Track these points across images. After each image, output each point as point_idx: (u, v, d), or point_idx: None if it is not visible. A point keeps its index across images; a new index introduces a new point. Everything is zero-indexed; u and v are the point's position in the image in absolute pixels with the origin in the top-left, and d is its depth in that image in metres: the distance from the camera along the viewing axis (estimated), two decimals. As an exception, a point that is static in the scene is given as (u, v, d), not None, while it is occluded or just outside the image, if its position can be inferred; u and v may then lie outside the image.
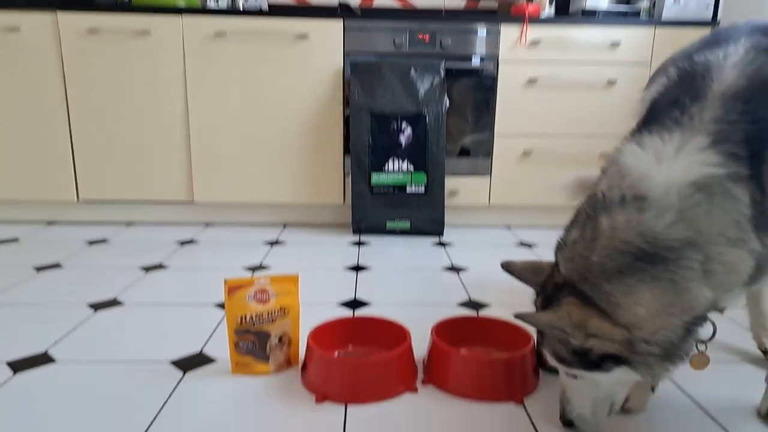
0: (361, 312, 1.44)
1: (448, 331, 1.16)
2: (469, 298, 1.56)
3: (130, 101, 2.23)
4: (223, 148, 2.27)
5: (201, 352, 1.21)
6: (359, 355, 1.15)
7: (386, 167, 2.18)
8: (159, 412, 0.98)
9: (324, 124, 2.25)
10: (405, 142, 2.19)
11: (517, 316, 0.80)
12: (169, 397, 1.02)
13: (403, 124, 2.19)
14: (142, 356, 1.18)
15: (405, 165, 2.18)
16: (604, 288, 0.75)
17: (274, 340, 1.11)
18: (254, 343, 1.10)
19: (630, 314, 0.73)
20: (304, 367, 1.09)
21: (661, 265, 0.71)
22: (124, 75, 2.20)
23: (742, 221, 0.69)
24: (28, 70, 2.18)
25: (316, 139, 2.27)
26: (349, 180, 2.25)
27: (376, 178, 2.18)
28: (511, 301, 1.53)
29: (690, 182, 0.71)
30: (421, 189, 2.19)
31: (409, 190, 2.19)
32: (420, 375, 1.10)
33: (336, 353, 1.16)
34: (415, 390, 1.05)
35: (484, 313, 1.45)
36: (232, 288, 1.09)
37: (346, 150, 2.27)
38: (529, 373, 1.06)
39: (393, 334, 1.15)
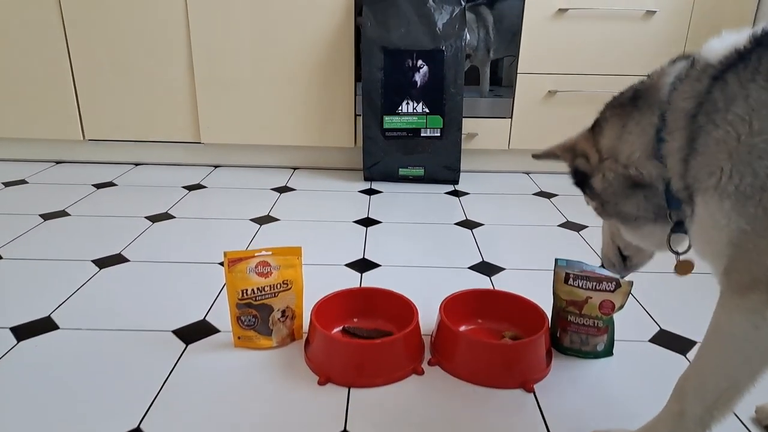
0: (369, 275, 1.40)
1: (457, 307, 1.11)
2: (482, 259, 1.50)
3: (132, 36, 2.10)
4: (228, 87, 2.15)
5: (204, 319, 1.18)
6: (364, 331, 1.11)
7: (400, 109, 2.06)
8: (160, 390, 0.97)
9: (334, 60, 2.11)
10: (420, 81, 2.04)
11: (535, 155, 0.93)
12: (169, 375, 1.00)
13: (419, 62, 2.04)
14: (144, 325, 1.16)
15: (420, 107, 2.05)
16: (604, 115, 0.82)
17: (277, 314, 1.07)
18: (256, 317, 1.06)
19: (604, 139, 0.80)
20: (307, 343, 1.06)
21: (636, 106, 0.76)
22: (124, 10, 2.06)
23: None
24: (27, 4, 2.05)
25: (326, 78, 2.13)
26: (360, 122, 2.14)
27: (389, 121, 2.07)
28: (525, 265, 1.47)
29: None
30: (437, 133, 2.08)
31: (423, 134, 2.08)
32: (427, 354, 1.06)
33: (341, 328, 1.12)
34: (421, 372, 1.01)
35: (497, 278, 1.40)
36: (233, 261, 1.05)
37: (358, 90, 2.14)
38: (540, 359, 1.02)
39: (400, 308, 1.10)
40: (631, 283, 1.04)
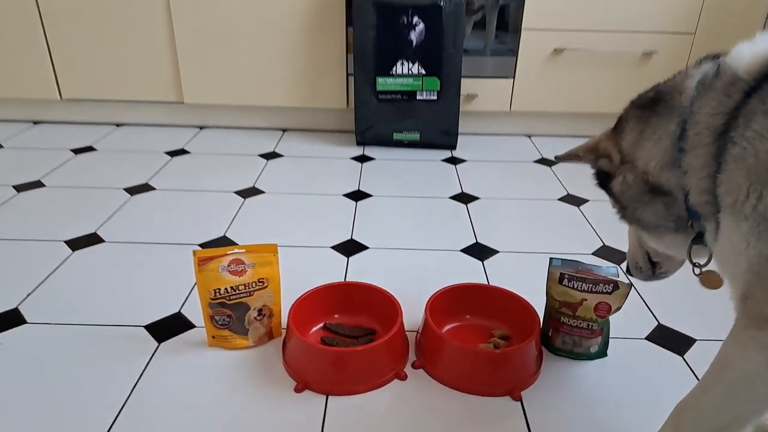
0: (356, 258, 1.33)
1: (444, 303, 1.05)
2: (476, 240, 1.43)
3: (101, -13, 1.94)
4: (211, 43, 2.01)
5: (179, 312, 1.12)
6: (346, 328, 1.05)
7: (394, 70, 1.92)
8: (127, 399, 0.92)
9: (324, 15, 1.96)
10: (416, 40, 1.90)
11: (558, 158, 0.84)
12: (138, 379, 0.96)
13: (415, 18, 1.88)
14: (115, 318, 1.10)
15: (416, 68, 1.92)
16: (626, 115, 0.75)
17: (253, 313, 1.01)
18: (231, 316, 1.00)
19: (625, 141, 0.74)
20: (285, 345, 1.01)
21: (655, 111, 0.70)
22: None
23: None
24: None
25: (316, 35, 1.99)
26: (352, 82, 2.01)
27: (383, 82, 1.94)
28: (521, 247, 1.39)
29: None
30: (434, 96, 1.95)
31: (419, 97, 1.95)
32: (411, 355, 1.01)
33: (322, 325, 1.07)
34: (404, 377, 0.96)
35: (490, 262, 1.33)
36: (203, 260, 0.97)
37: (350, 47, 1.99)
38: (529, 365, 0.96)
39: (384, 304, 1.04)
40: (630, 285, 0.97)
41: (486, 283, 1.23)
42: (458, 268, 1.30)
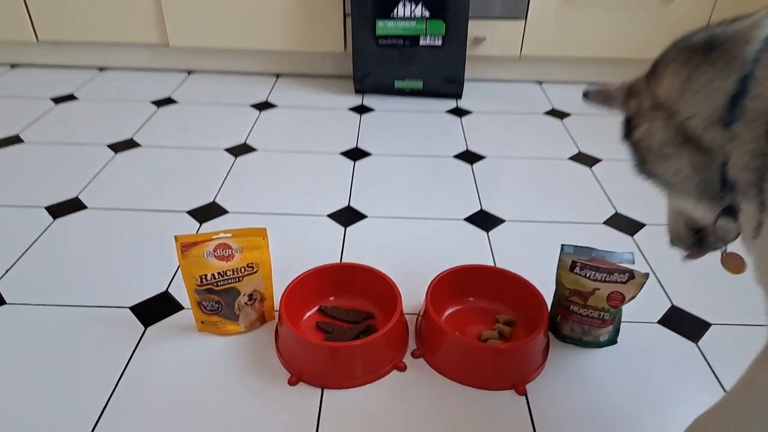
0: (354, 228, 1.25)
1: (447, 285, 0.99)
2: (481, 207, 1.35)
3: None
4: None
5: (166, 291, 1.07)
6: (342, 311, 1.00)
7: (395, 12, 1.76)
8: (113, 390, 0.88)
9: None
10: (421, -23, 1.73)
11: (585, 93, 0.71)
12: (125, 368, 0.91)
13: (420, -48, 1.71)
14: (99, 299, 1.04)
15: (419, 10, 1.76)
16: (666, 57, 0.64)
17: (243, 299, 0.95)
18: (219, 303, 0.95)
19: (662, 86, 0.63)
20: (278, 334, 0.95)
21: (708, 58, 0.58)
22: None
23: None
24: None
25: (310, -30, 1.81)
26: (350, 23, 1.85)
27: (383, 26, 1.78)
28: (528, 215, 1.32)
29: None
30: (438, 41, 1.80)
31: (422, 42, 1.80)
32: (411, 343, 0.96)
33: (317, 308, 1.01)
34: (403, 368, 0.91)
35: (495, 233, 1.25)
36: (186, 245, 0.90)
37: (348, -14, 1.82)
38: (535, 359, 0.91)
39: (382, 287, 0.98)
40: (646, 275, 0.90)
41: (491, 257, 1.17)
42: (462, 240, 1.23)
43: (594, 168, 1.53)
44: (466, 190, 1.41)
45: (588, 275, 0.91)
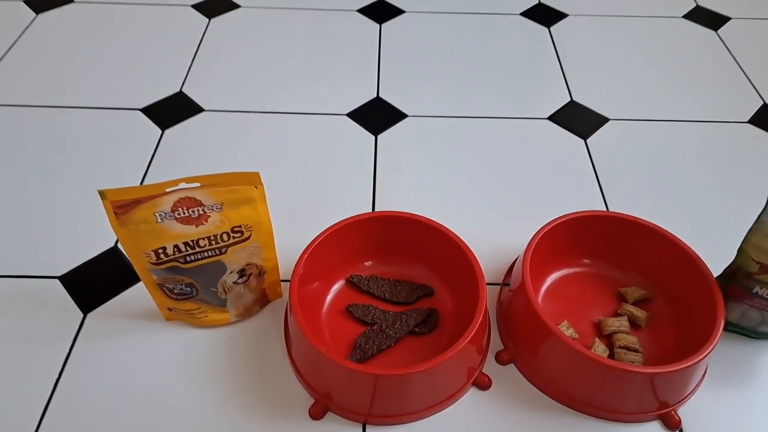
0: (386, 137, 0.85)
1: (550, 243, 0.63)
2: (571, 98, 0.93)
3: None
4: None
5: (115, 248, 0.71)
6: (383, 283, 0.65)
7: None
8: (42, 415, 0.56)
9: None
10: None
11: None
12: (56, 383, 0.59)
13: None
14: (19, 265, 0.69)
15: None
16: None
17: (230, 277, 0.60)
18: (193, 285, 0.59)
19: None
20: (288, 326, 0.61)
21: None
22: None
23: None
24: None
25: None
26: None
27: None
28: (633, 112, 0.91)
29: None
30: None
31: None
32: (495, 340, 0.63)
33: (346, 279, 0.66)
34: (486, 384, 0.59)
35: (595, 140, 0.86)
36: (120, 206, 0.52)
37: None
38: (697, 375, 0.58)
39: (447, 248, 0.62)
40: None
41: (597, 185, 0.79)
42: (542, 150, 0.84)
43: (722, 30, 1.08)
44: (542, 66, 0.98)
45: (805, 248, 0.54)
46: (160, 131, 0.85)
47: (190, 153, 0.81)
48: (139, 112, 0.88)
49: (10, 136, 0.83)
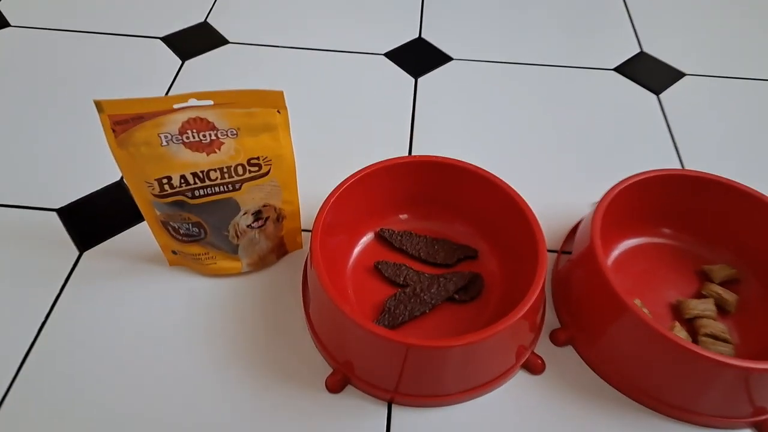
0: (427, 80, 0.75)
1: (623, 206, 0.53)
2: (641, 48, 0.81)
3: None
4: None
5: (121, 182, 0.63)
6: (419, 240, 0.55)
7: None
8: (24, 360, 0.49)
9: None
10: None
11: None
12: (43, 323, 0.51)
13: None
14: (14, 194, 0.62)
15: None
16: None
17: (244, 219, 0.51)
18: (200, 225, 0.51)
19: None
20: (306, 281, 0.53)
21: None
22: None
23: None
24: None
25: None
26: None
27: None
28: (720, 68, 0.78)
29: None
30: None
31: None
32: (551, 317, 0.53)
33: (376, 232, 0.57)
34: (539, 368, 0.49)
35: (669, 95, 0.74)
36: (119, 122, 0.44)
37: None
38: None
39: (497, 200, 0.53)
40: None
41: (672, 143, 0.68)
42: (614, 107, 0.73)
43: (822, -12, 0.93)
44: (607, 10, 0.86)
45: None
46: (180, 62, 0.76)
47: (209, 87, 0.73)
48: (159, 40, 0.79)
49: (22, 58, 0.76)
